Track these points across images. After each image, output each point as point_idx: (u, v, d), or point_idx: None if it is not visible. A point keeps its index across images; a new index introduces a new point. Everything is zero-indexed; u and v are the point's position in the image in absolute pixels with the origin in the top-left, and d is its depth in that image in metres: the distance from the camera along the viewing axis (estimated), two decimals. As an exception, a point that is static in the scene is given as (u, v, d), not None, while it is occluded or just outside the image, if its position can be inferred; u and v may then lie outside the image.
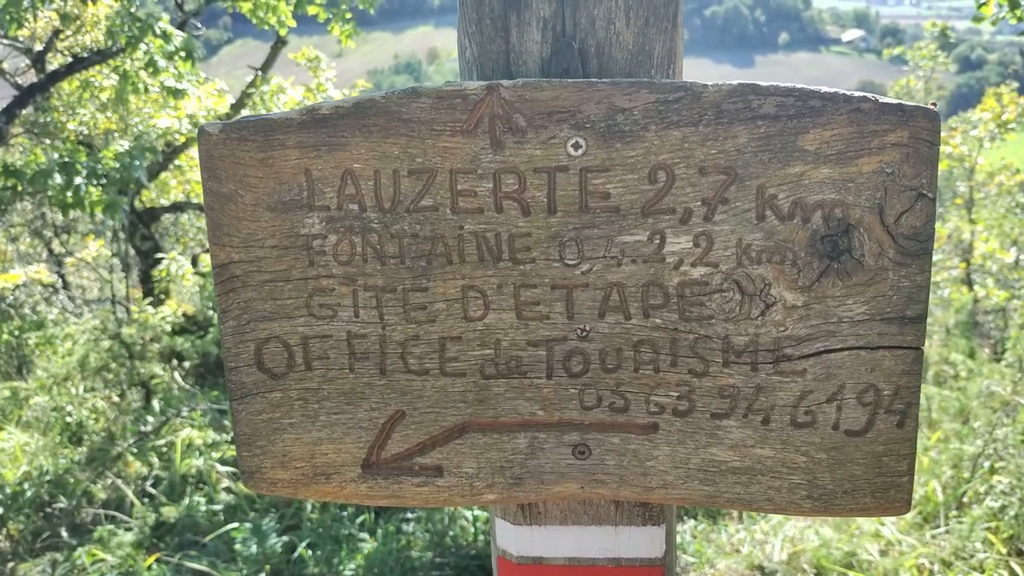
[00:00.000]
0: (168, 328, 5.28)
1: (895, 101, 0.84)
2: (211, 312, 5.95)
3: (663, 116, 0.86)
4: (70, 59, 6.12)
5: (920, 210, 0.85)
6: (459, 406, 0.96)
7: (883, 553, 3.85)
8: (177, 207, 6.84)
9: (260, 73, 6.75)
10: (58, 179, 4.69)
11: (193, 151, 6.89)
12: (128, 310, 5.96)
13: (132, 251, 6.46)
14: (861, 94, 0.84)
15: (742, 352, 0.91)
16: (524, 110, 0.87)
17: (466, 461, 0.97)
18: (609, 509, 1.03)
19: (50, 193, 4.72)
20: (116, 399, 5.15)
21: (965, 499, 4.08)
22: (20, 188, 5.03)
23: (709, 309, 0.90)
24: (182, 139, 6.48)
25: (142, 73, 5.35)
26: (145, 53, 4.95)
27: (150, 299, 5.59)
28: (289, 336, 0.96)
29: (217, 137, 0.91)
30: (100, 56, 5.36)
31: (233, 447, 4.81)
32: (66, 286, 8.91)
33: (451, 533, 4.05)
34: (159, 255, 5.82)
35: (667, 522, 1.05)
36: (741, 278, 0.89)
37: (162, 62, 4.79)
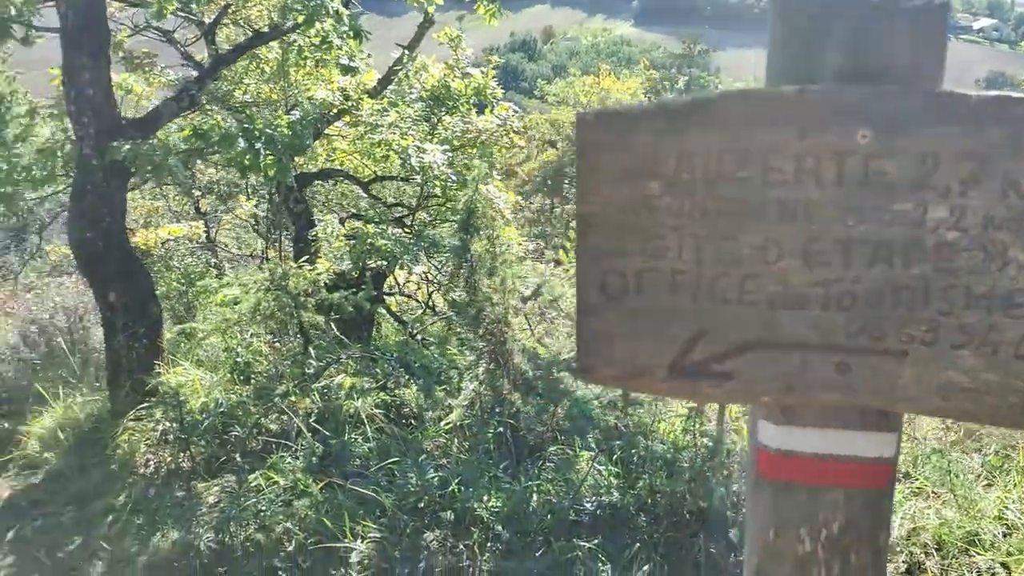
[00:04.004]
0: (325, 283, 5.78)
1: (1123, 109, 1.11)
2: (356, 273, 6.43)
3: (934, 116, 1.15)
4: (239, 33, 6.68)
5: None
6: (750, 328, 1.27)
7: (1007, 536, 3.98)
8: (326, 174, 7.36)
9: (407, 51, 7.19)
10: (241, 143, 5.22)
11: (341, 123, 7.39)
12: (285, 266, 6.50)
13: (287, 213, 7.01)
14: (1094, 104, 1.11)
15: (980, 298, 1.19)
16: (826, 108, 1.17)
17: (750, 370, 1.29)
18: (853, 415, 1.33)
19: (233, 155, 5.25)
20: (278, 344, 5.68)
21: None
22: (204, 150, 5.59)
23: (957, 264, 1.19)
24: (334, 110, 6.97)
25: (311, 49, 5.84)
26: (318, 32, 5.42)
27: (305, 258, 6.10)
28: (627, 269, 1.29)
29: (591, 123, 1.25)
30: (277, 32, 5.86)
31: (383, 392, 5.29)
32: (211, 242, 9.64)
33: (588, 483, 4.40)
34: (314, 218, 6.33)
35: (898, 430, 1.34)
36: (985, 241, 1.17)
37: (337, 41, 5.24)
